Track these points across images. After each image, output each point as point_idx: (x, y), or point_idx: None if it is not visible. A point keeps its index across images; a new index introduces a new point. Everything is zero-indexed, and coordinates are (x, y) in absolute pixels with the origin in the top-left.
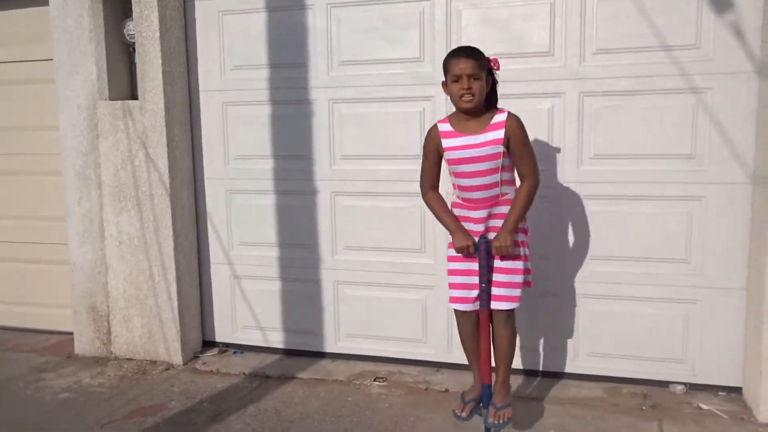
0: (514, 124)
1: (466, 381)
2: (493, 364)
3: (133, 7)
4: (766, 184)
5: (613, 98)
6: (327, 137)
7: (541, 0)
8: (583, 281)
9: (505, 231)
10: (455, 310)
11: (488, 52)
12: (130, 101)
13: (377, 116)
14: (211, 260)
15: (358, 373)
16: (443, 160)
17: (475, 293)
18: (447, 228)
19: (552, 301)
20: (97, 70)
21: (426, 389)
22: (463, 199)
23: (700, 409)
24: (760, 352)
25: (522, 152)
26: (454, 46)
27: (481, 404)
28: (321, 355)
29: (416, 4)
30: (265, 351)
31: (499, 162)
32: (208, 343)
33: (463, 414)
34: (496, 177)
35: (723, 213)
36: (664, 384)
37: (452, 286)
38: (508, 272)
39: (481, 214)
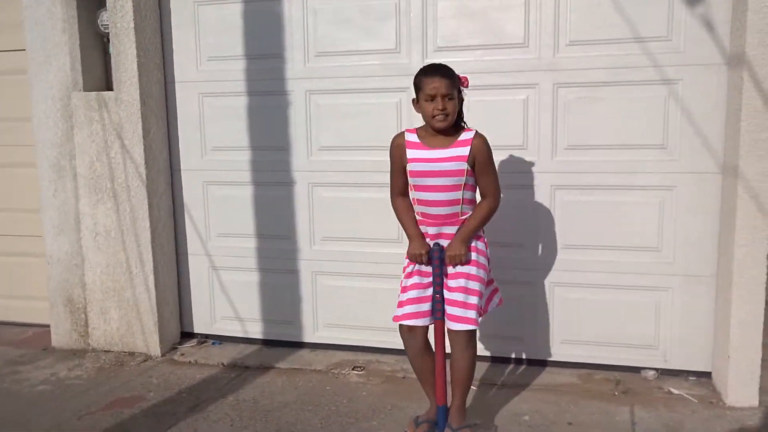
0: (480, 143)
1: None
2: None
3: None
4: (735, 174)
5: (586, 89)
6: (304, 128)
7: None
8: (558, 269)
9: (459, 240)
10: (402, 331)
11: (464, 43)
12: (105, 92)
13: (354, 107)
14: (189, 252)
15: (337, 362)
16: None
17: (426, 306)
18: (407, 234)
19: (527, 290)
20: (70, 60)
21: (403, 377)
22: (422, 214)
23: (671, 393)
24: (728, 338)
25: (486, 171)
26: (430, 38)
27: (435, 428)
28: (300, 345)
29: None
30: (243, 341)
31: (462, 179)
32: (187, 335)
33: None
34: (458, 194)
35: (694, 202)
36: (637, 370)
37: (402, 303)
38: (462, 291)
39: (439, 230)
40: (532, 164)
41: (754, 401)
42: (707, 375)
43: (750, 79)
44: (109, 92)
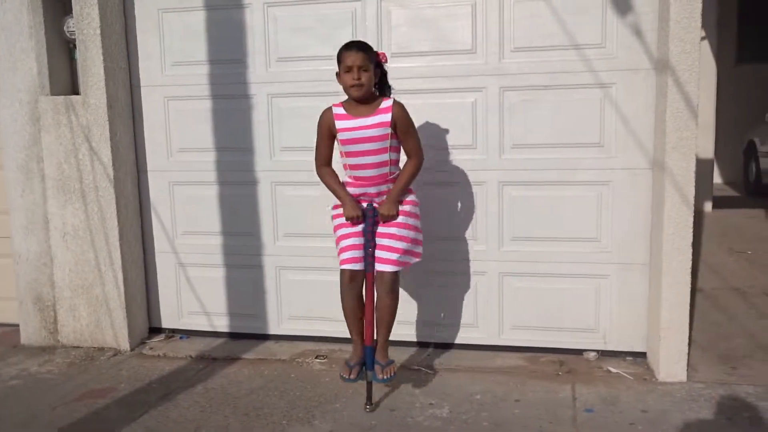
0: (399, 109)
1: (400, 356)
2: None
3: (73, 5)
4: (662, 170)
5: (529, 92)
6: (266, 130)
7: (463, 1)
8: (506, 260)
9: (390, 200)
10: (342, 276)
11: (417, 50)
12: (73, 96)
13: (314, 110)
14: (156, 249)
15: (301, 352)
16: (336, 141)
17: (362, 254)
18: (339, 198)
19: (479, 279)
20: (37, 66)
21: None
22: (354, 178)
23: (610, 372)
24: (659, 320)
25: (408, 133)
26: (384, 44)
27: (364, 366)
28: (265, 337)
29: (348, 4)
30: (210, 335)
31: (387, 142)
32: (155, 330)
33: (351, 376)
34: (385, 156)
35: (628, 196)
36: (579, 352)
37: (343, 249)
38: (390, 237)
39: (371, 190)
40: (481, 162)
41: (683, 377)
42: (643, 355)
43: (674, 83)
44: (77, 96)
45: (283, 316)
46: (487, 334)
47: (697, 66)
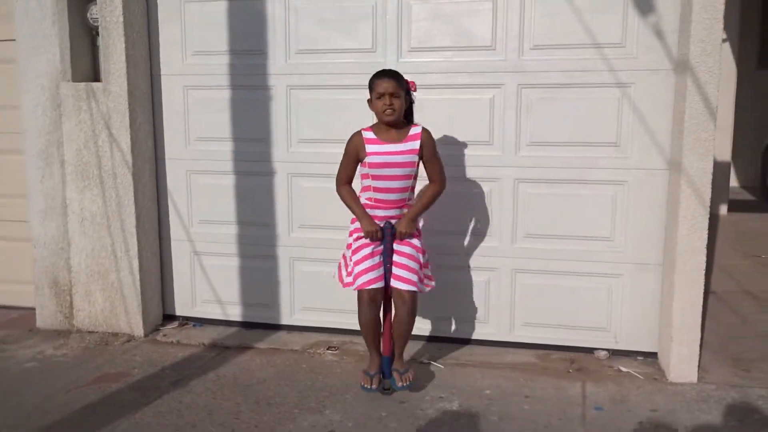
0: (427, 136)
1: (410, 350)
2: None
3: None
4: (679, 171)
5: (547, 90)
6: (284, 121)
7: None
8: (519, 257)
9: (408, 218)
10: (361, 296)
11: (436, 45)
12: (94, 83)
13: (332, 102)
14: (172, 237)
15: (313, 343)
16: (359, 164)
17: (377, 273)
18: (357, 215)
19: (490, 275)
20: (60, 52)
21: None
22: (375, 200)
23: (620, 371)
24: (671, 321)
25: (433, 159)
26: (404, 39)
27: (383, 375)
28: (277, 327)
29: None
30: (223, 324)
31: (414, 170)
32: (169, 317)
33: (373, 386)
34: (409, 182)
35: (643, 196)
36: (590, 350)
37: (362, 272)
38: (409, 257)
39: (392, 213)
40: (496, 159)
41: (694, 378)
42: (654, 355)
43: (693, 84)
44: (98, 83)
45: (296, 307)
46: (498, 330)
47: (718, 68)
